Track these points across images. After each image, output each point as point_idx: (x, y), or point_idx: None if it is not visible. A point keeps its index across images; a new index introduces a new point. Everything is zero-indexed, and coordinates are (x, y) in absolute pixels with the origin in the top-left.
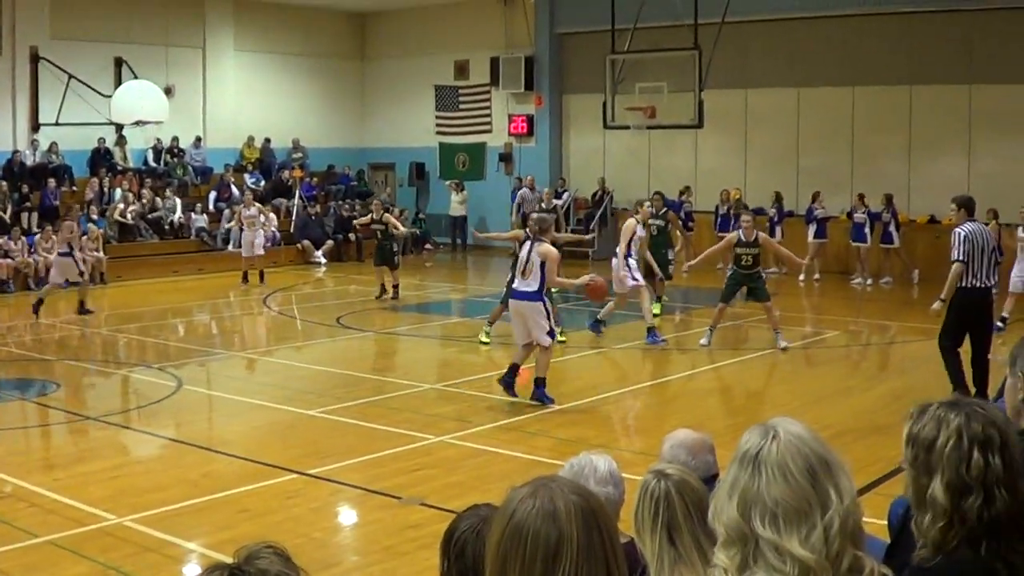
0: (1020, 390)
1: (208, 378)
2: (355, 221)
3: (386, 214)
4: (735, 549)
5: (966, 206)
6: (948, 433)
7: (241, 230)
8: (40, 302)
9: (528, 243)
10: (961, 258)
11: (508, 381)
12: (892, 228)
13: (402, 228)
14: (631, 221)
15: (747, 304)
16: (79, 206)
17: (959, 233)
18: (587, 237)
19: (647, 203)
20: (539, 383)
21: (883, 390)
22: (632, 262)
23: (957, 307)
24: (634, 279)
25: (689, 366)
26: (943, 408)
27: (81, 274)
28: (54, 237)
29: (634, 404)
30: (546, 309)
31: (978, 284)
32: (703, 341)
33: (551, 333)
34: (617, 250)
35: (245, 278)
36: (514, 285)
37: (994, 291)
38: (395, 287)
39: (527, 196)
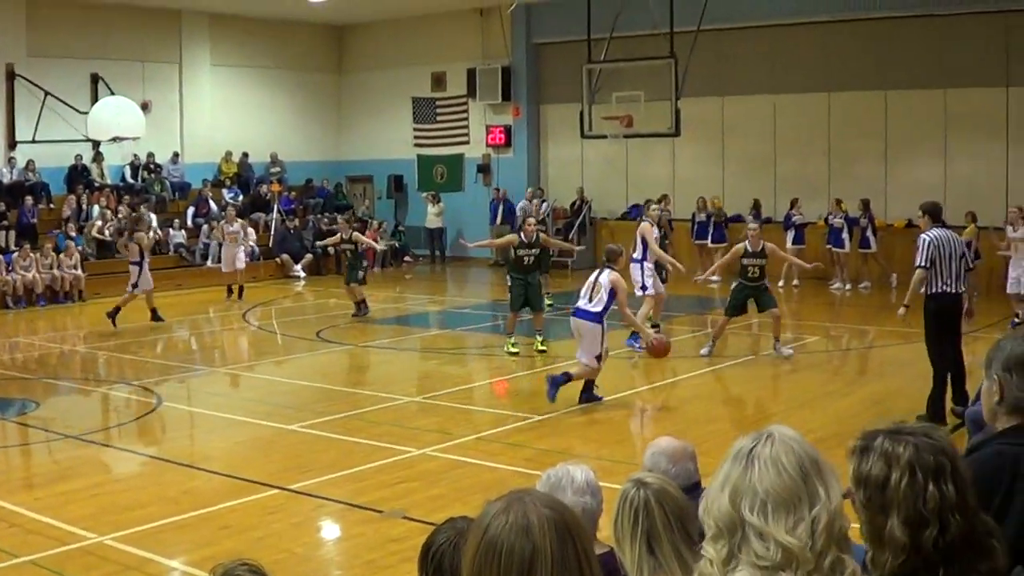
0: (995, 393)
1: (188, 394)
2: (321, 243)
3: (355, 233)
4: (723, 541)
5: (930, 212)
6: (900, 469)
7: (220, 245)
8: (117, 310)
9: (598, 269)
10: (923, 264)
11: (560, 384)
12: (869, 233)
13: (376, 245)
14: (645, 224)
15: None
16: (142, 224)
17: (923, 239)
18: (578, 247)
19: (654, 205)
20: (587, 385)
21: (864, 394)
22: (648, 267)
23: (933, 313)
24: (644, 287)
25: (670, 374)
26: (888, 441)
27: (134, 286)
28: (32, 255)
29: (615, 413)
30: (603, 333)
31: (948, 290)
32: (704, 351)
33: (599, 357)
34: (633, 255)
35: (230, 291)
36: (579, 304)
37: (965, 296)
38: (362, 302)
39: (527, 208)
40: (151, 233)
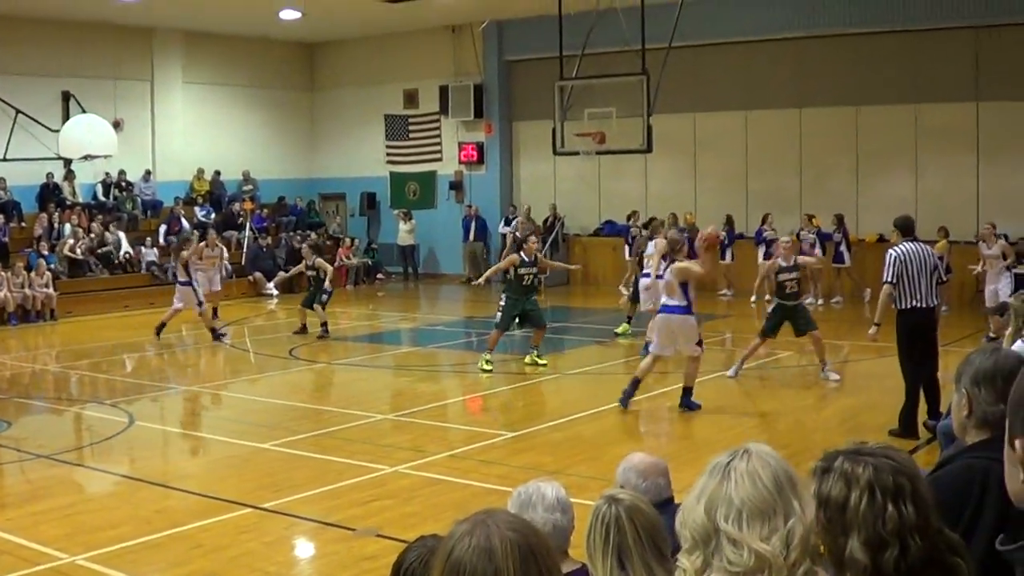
0: (964, 407)
1: (161, 413)
2: (286, 274)
3: (318, 260)
4: (698, 552)
5: (900, 227)
6: (860, 490)
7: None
8: (163, 325)
9: (664, 263)
10: (890, 280)
11: (629, 393)
12: (844, 248)
13: (330, 268)
14: (662, 241)
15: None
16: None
17: (890, 254)
18: (574, 267)
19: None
20: (687, 392)
21: (836, 409)
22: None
23: (903, 329)
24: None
25: (643, 390)
26: (848, 462)
27: (200, 303)
28: (3, 274)
29: (588, 429)
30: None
31: (918, 304)
32: (730, 373)
33: (700, 343)
34: (648, 270)
35: (215, 313)
36: (663, 301)
37: (943, 309)
38: (324, 324)
39: (528, 227)
40: (183, 251)
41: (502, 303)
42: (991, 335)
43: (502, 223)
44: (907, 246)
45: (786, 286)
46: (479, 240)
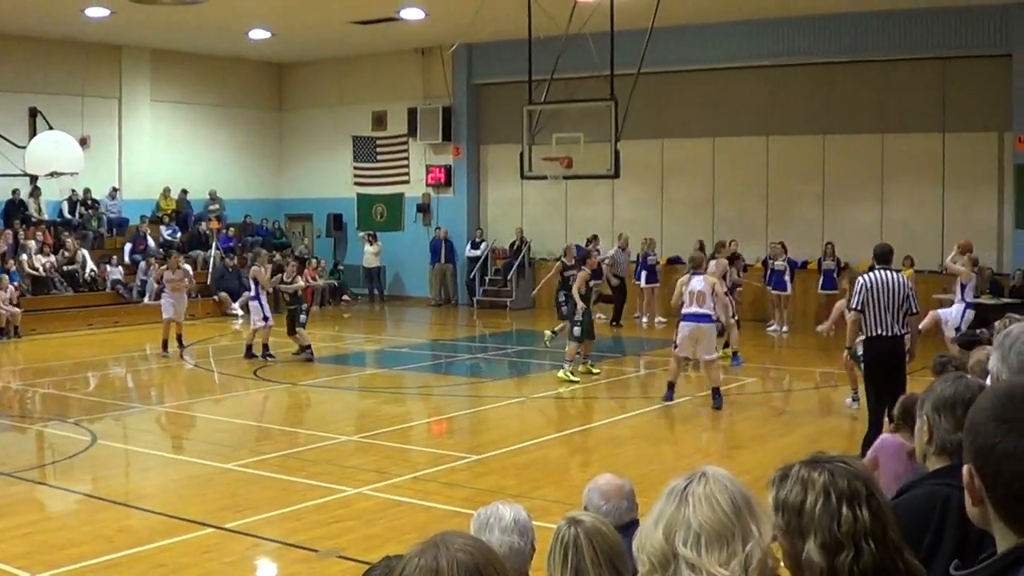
0: (925, 433)
1: (123, 432)
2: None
3: (298, 277)
4: None
5: (876, 255)
6: (815, 493)
7: (160, 290)
8: (250, 348)
9: (691, 276)
10: (855, 307)
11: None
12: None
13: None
14: (723, 261)
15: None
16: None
17: (858, 281)
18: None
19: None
20: (716, 392)
21: (801, 434)
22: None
23: (868, 356)
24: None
25: (608, 414)
26: (805, 469)
27: (266, 319)
28: None
29: (553, 453)
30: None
31: (882, 333)
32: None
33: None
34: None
35: (180, 342)
36: (690, 310)
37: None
38: (308, 347)
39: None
40: (261, 267)
41: (579, 318)
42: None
43: (468, 246)
44: (876, 274)
45: None
46: (449, 262)
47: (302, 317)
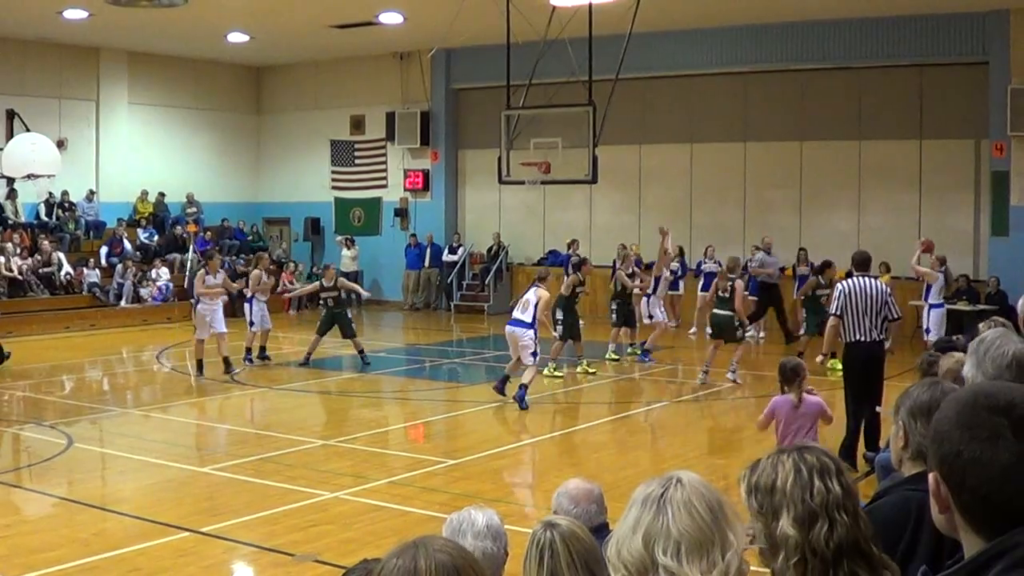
0: (901, 439)
1: (100, 435)
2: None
3: (341, 279)
4: None
5: (853, 261)
6: (786, 471)
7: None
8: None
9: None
10: (835, 312)
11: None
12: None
13: (363, 291)
14: (574, 277)
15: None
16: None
17: (836, 287)
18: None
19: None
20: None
21: (776, 440)
22: None
23: (847, 361)
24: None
25: (583, 419)
26: (774, 455)
27: (251, 324)
28: None
29: (529, 458)
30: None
31: (860, 339)
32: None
33: (535, 354)
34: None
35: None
36: (514, 316)
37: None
38: (362, 352)
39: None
40: (262, 272)
41: (559, 317)
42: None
43: (446, 251)
44: (854, 281)
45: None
46: (435, 267)
47: (353, 326)
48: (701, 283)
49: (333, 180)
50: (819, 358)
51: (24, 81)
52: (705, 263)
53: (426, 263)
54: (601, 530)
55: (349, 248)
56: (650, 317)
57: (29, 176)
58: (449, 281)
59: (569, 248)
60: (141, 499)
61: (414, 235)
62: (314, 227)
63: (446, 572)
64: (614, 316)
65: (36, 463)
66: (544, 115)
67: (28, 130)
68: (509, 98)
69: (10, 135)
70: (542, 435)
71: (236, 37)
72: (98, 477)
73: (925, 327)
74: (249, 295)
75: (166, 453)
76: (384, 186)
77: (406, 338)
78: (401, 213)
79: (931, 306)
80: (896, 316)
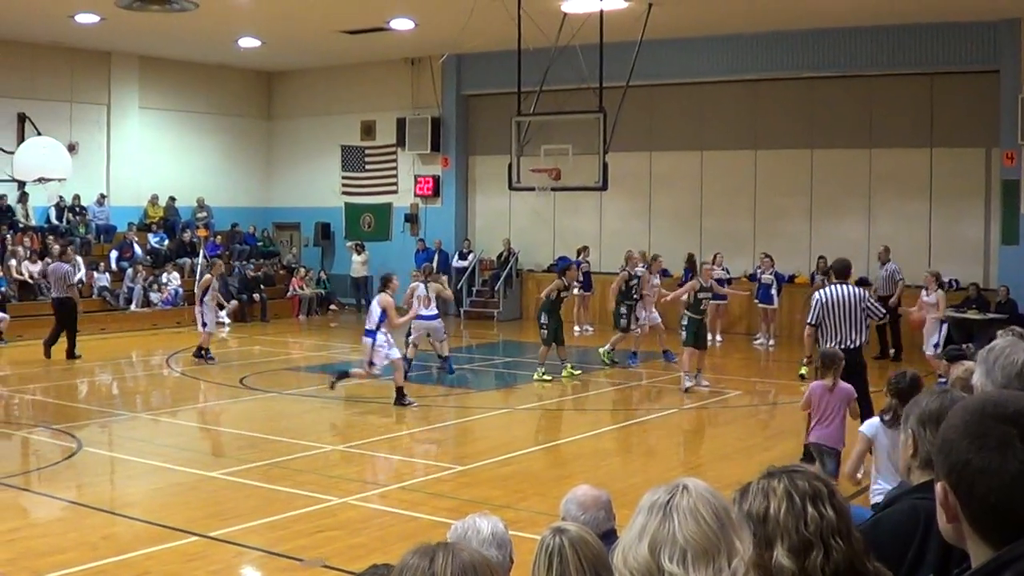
0: (910, 447)
1: (109, 439)
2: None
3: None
4: None
5: (834, 270)
6: (778, 499)
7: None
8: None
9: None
10: (810, 321)
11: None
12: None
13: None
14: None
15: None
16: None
17: (814, 297)
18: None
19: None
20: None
21: (784, 448)
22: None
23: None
24: None
25: (593, 426)
26: (763, 480)
27: (204, 324)
28: None
29: (539, 464)
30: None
31: (839, 346)
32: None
33: (371, 364)
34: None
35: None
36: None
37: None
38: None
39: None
40: (213, 278)
41: (543, 321)
42: (943, 379)
43: (456, 257)
44: (832, 289)
45: (702, 303)
46: (444, 272)
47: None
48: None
49: (343, 185)
50: (804, 361)
51: (36, 85)
52: (714, 270)
53: (434, 269)
54: (609, 536)
55: (359, 253)
56: (636, 319)
57: (40, 179)
58: (459, 287)
59: (579, 255)
60: (150, 503)
61: (422, 240)
62: (324, 232)
63: (463, 571)
64: (623, 320)
65: (45, 466)
66: (554, 122)
67: (39, 133)
68: (520, 104)
69: (21, 139)
70: (550, 442)
71: (247, 42)
72: (107, 481)
73: (934, 342)
74: (198, 299)
75: (175, 457)
76: (394, 192)
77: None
78: (411, 219)
79: (956, 319)
80: (881, 316)
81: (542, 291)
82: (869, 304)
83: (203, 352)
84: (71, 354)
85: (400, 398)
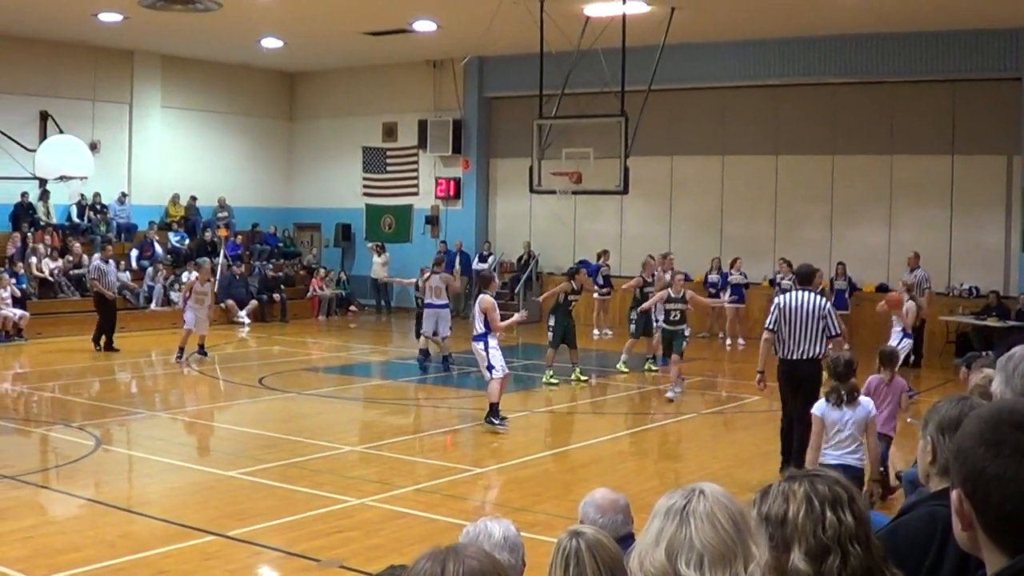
0: (929, 453)
1: (127, 437)
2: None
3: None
4: None
5: (796, 275)
6: (797, 502)
7: (185, 302)
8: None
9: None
10: (769, 327)
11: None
12: (847, 296)
13: (457, 284)
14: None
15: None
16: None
17: (773, 301)
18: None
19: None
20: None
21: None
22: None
23: (779, 377)
24: None
25: (611, 429)
26: (785, 483)
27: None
28: None
29: (555, 467)
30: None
31: (793, 356)
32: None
33: (490, 369)
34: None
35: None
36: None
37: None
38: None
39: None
40: (192, 274)
41: (551, 323)
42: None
43: (476, 259)
44: (792, 295)
45: (671, 313)
46: (465, 275)
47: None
48: (728, 294)
49: (364, 187)
50: (757, 377)
51: (58, 83)
52: (732, 275)
53: (453, 272)
54: (627, 540)
55: (380, 255)
56: (656, 321)
57: (62, 178)
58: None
59: (599, 258)
60: (167, 502)
61: (444, 242)
62: (345, 233)
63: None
64: (632, 326)
65: (63, 464)
66: (576, 125)
67: (61, 132)
68: (542, 107)
69: (43, 137)
70: (567, 445)
71: (270, 42)
72: (125, 479)
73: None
74: (182, 300)
75: (193, 456)
76: (415, 193)
77: (436, 345)
78: (432, 221)
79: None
80: (836, 332)
81: (543, 293)
82: (828, 316)
83: (182, 352)
84: (108, 346)
85: (493, 414)
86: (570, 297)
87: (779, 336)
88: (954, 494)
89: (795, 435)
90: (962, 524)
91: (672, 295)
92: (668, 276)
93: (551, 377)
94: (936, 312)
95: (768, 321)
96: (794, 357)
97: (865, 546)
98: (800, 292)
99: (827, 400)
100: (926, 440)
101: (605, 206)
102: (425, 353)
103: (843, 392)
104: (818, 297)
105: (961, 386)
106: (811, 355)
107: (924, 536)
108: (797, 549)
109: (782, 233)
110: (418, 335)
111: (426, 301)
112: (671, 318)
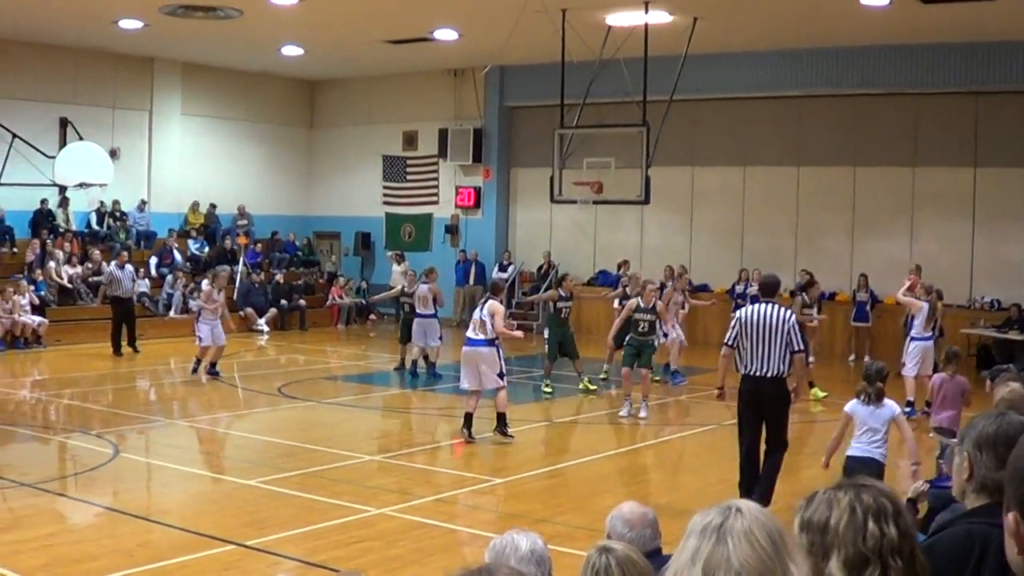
0: (966, 470)
1: (146, 446)
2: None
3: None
4: None
5: (760, 286)
6: (840, 510)
7: (198, 314)
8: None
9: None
10: (727, 342)
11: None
12: (868, 307)
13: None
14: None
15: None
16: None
17: (733, 316)
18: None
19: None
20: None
21: (834, 465)
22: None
23: (740, 395)
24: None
25: (632, 440)
26: (831, 490)
27: (200, 339)
28: None
29: (577, 478)
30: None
31: (754, 372)
32: (623, 413)
33: (502, 375)
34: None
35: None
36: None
37: (791, 380)
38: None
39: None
40: (213, 289)
41: (547, 336)
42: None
43: (496, 268)
44: (753, 308)
45: (640, 324)
46: (479, 284)
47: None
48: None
49: (384, 195)
50: (715, 392)
51: (78, 90)
52: (751, 287)
53: (471, 280)
54: (655, 555)
55: (399, 263)
56: (664, 335)
57: (81, 184)
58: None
59: (619, 268)
60: (186, 511)
61: (463, 251)
62: (364, 242)
63: None
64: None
65: (81, 472)
66: (597, 135)
67: (81, 139)
68: (563, 117)
69: (63, 143)
70: (589, 455)
71: (290, 50)
72: (143, 487)
73: (902, 359)
74: (197, 311)
75: (212, 465)
76: (435, 202)
77: (454, 355)
78: (452, 230)
79: (912, 339)
80: (798, 348)
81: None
82: (792, 329)
83: (198, 364)
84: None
85: (502, 425)
86: (560, 305)
87: (740, 352)
88: (1010, 517)
89: (767, 462)
90: (1019, 547)
91: (641, 305)
92: (680, 296)
93: (546, 387)
94: (957, 325)
95: (727, 336)
96: (758, 374)
97: (908, 561)
98: (763, 304)
99: (858, 398)
100: (962, 456)
101: (626, 216)
102: (412, 362)
103: (871, 392)
104: (782, 309)
105: (988, 399)
106: (776, 372)
107: (961, 555)
108: (836, 557)
109: (803, 244)
110: (403, 342)
111: (418, 311)
112: (640, 329)
